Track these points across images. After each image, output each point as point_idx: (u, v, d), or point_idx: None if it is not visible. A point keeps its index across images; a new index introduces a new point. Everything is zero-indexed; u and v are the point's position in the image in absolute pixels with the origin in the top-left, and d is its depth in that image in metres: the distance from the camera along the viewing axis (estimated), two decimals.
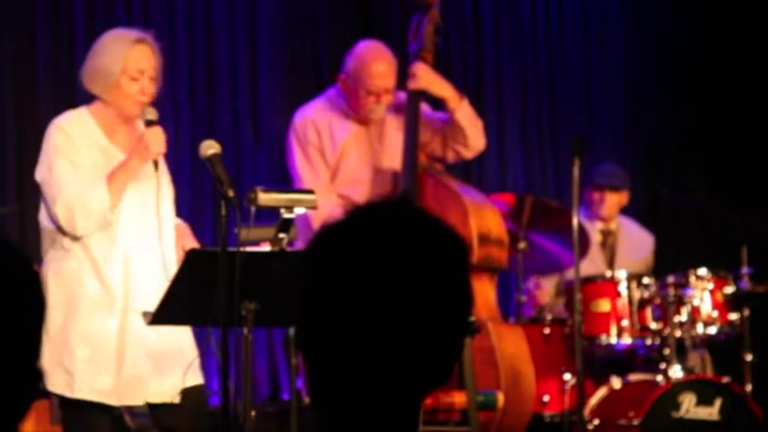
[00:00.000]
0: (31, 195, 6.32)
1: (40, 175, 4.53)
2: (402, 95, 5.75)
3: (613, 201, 6.76)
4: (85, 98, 6.45)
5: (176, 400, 4.47)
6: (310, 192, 4.38)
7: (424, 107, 5.78)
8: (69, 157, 4.46)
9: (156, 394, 4.47)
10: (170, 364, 4.46)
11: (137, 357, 4.44)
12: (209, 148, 4.36)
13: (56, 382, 4.40)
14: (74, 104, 6.45)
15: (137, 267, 4.45)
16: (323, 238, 1.75)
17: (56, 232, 4.49)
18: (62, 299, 4.43)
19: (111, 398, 4.42)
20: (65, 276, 4.45)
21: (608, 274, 6.24)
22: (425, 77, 5.67)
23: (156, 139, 4.44)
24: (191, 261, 4.12)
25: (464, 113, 5.70)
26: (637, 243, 6.87)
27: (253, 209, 4.17)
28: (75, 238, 4.45)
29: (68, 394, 4.40)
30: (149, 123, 4.48)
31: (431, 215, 1.76)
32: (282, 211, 4.19)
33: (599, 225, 6.77)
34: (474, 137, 5.72)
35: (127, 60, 4.49)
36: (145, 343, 4.45)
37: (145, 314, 4.26)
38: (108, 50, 4.53)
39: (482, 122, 5.80)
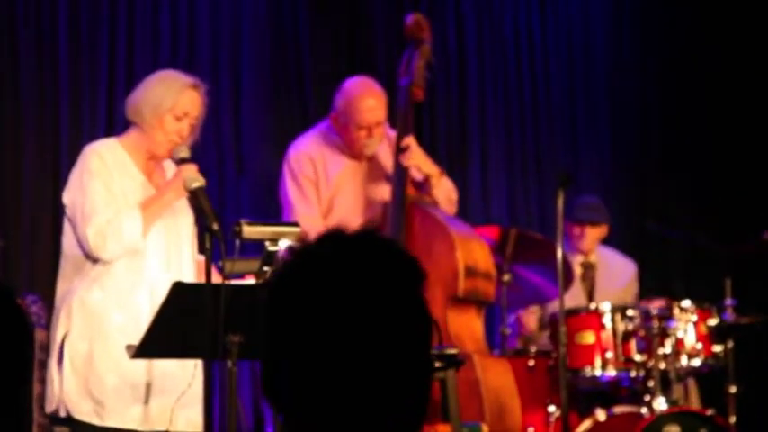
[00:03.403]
0: (15, 230, 6.34)
1: (69, 197, 4.56)
2: (392, 133, 5.79)
3: (593, 235, 6.79)
4: (69, 129, 6.49)
5: (198, 430, 4.49)
6: (295, 224, 4.40)
7: None
8: (104, 182, 4.51)
9: (177, 423, 4.50)
10: (190, 396, 4.45)
11: (163, 386, 4.47)
12: (194, 181, 4.38)
13: (83, 411, 4.44)
14: (57, 136, 6.50)
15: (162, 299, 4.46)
16: (282, 269, 1.75)
17: (82, 260, 4.53)
18: (87, 329, 4.47)
19: (139, 424, 4.46)
20: (90, 307, 4.48)
21: (592, 306, 6.24)
22: (417, 157, 5.72)
23: (192, 176, 4.45)
24: (175, 294, 4.11)
25: (442, 189, 5.80)
26: (617, 272, 6.89)
27: (237, 242, 4.17)
28: (104, 266, 4.48)
29: (97, 422, 4.43)
30: (182, 161, 4.50)
31: (382, 239, 1.75)
32: (267, 243, 4.19)
33: (579, 258, 6.78)
34: (446, 208, 5.81)
35: (177, 100, 4.58)
36: (168, 373, 4.47)
37: (128, 347, 4.24)
38: (162, 85, 4.62)
39: (457, 195, 5.88)
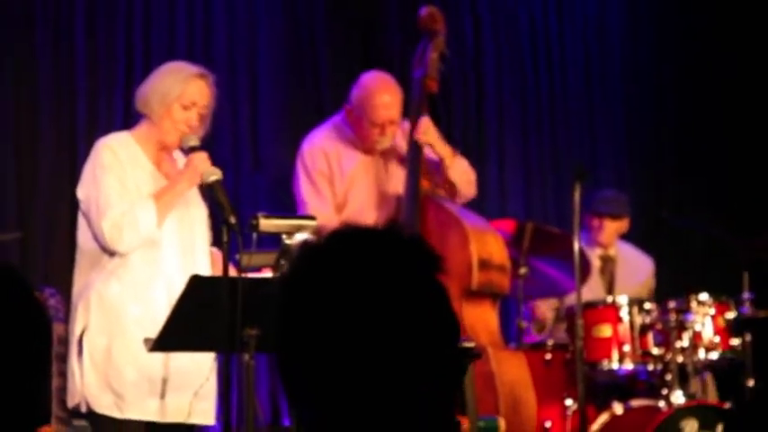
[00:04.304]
0: (32, 223, 6.36)
1: (83, 192, 4.58)
2: (406, 125, 5.78)
3: (613, 228, 6.77)
4: (86, 123, 6.51)
5: (211, 422, 4.51)
6: (312, 217, 4.41)
7: None
8: (117, 176, 4.53)
9: (193, 415, 4.53)
10: (206, 389, 4.50)
11: (179, 382, 4.49)
12: (211, 174, 4.40)
13: (103, 404, 4.46)
14: (74, 130, 6.52)
15: (179, 291, 4.46)
16: (296, 264, 1.74)
17: (99, 253, 4.54)
18: (106, 323, 4.48)
19: (158, 416, 4.48)
20: (108, 300, 4.50)
21: (609, 299, 6.23)
22: (431, 135, 5.73)
23: (204, 164, 4.46)
24: (193, 287, 4.12)
25: (457, 170, 5.78)
26: (636, 268, 6.87)
27: (254, 235, 4.18)
28: (121, 258, 4.50)
29: (117, 415, 4.45)
30: (192, 149, 4.52)
31: (401, 231, 1.75)
32: (284, 236, 4.20)
33: (598, 251, 6.77)
34: (465, 189, 5.82)
35: (185, 89, 4.60)
36: (184, 369, 4.49)
37: (146, 340, 4.25)
38: (169, 76, 4.65)
39: (474, 175, 5.87)
